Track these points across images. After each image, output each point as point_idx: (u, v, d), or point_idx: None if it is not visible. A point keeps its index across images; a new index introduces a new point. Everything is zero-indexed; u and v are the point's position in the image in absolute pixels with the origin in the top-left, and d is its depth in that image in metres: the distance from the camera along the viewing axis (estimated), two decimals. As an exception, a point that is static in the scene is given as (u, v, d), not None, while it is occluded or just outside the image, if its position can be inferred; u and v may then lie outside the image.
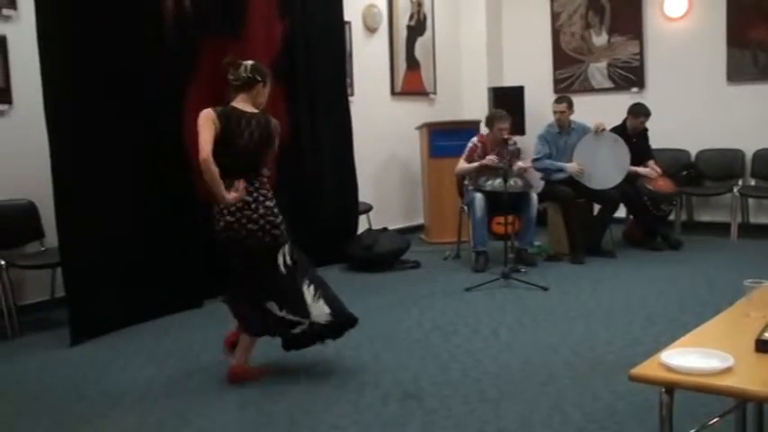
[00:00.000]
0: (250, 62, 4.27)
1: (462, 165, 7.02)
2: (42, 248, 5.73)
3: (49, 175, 5.06)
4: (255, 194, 4.14)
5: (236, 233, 4.09)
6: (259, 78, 4.22)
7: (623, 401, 3.73)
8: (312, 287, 4.22)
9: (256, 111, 4.19)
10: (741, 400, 2.60)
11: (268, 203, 4.18)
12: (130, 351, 4.85)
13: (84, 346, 4.98)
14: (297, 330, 4.22)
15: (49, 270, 5.60)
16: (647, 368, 2.07)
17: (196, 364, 4.57)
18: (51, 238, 5.65)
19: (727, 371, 2.00)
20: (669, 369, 2.03)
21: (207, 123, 4.02)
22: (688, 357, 2.07)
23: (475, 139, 7.14)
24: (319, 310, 4.19)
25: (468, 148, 7.03)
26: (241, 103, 4.18)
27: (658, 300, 5.62)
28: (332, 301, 4.27)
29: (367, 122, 7.92)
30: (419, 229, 8.83)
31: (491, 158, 6.74)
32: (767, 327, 2.30)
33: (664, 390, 2.04)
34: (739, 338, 2.24)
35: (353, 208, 7.51)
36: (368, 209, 7.74)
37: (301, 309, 4.17)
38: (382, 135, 8.49)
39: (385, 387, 4.04)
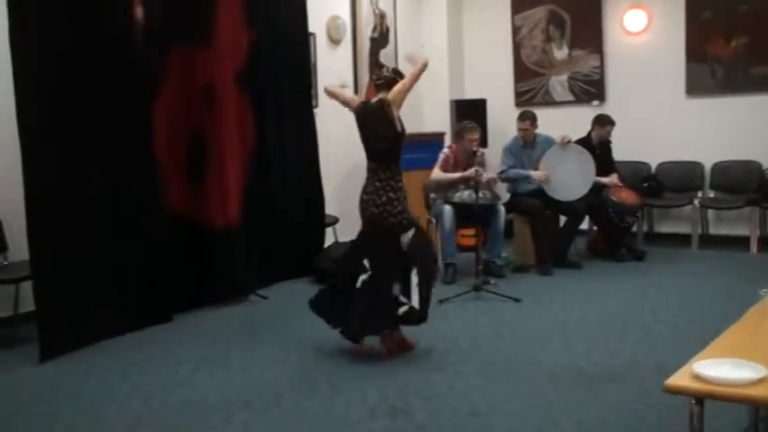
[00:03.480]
0: (394, 67, 5.01)
1: (439, 174, 6.94)
2: (5, 262, 5.55)
3: (12, 188, 4.96)
4: (384, 183, 4.66)
5: (364, 211, 4.68)
6: (399, 79, 4.75)
7: (612, 412, 3.74)
8: (418, 276, 4.61)
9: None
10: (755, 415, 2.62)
11: (391, 195, 4.62)
12: (103, 367, 4.70)
13: (53, 363, 4.81)
14: (401, 311, 4.59)
15: (13, 285, 5.41)
16: (679, 379, 2.06)
17: (173, 379, 4.45)
18: (15, 251, 5.50)
19: (762, 381, 2.00)
20: (703, 380, 2.02)
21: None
22: (721, 368, 2.07)
23: (447, 150, 7.14)
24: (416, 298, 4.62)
25: (441, 158, 7.00)
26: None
27: (630, 310, 5.67)
28: (425, 296, 4.68)
29: (331, 134, 7.85)
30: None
31: (473, 171, 6.65)
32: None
33: (694, 401, 2.03)
34: (763, 347, 2.25)
35: (320, 220, 7.45)
36: (334, 221, 7.68)
37: (408, 292, 4.60)
38: (346, 147, 8.38)
39: (372, 401, 3.99)
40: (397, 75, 4.83)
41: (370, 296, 4.58)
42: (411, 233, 4.66)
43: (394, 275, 4.60)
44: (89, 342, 5.14)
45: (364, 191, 4.73)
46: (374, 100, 4.79)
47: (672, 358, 4.43)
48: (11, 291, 5.42)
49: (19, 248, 5.36)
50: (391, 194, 4.63)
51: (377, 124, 4.71)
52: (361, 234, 4.81)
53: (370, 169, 4.76)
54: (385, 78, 4.82)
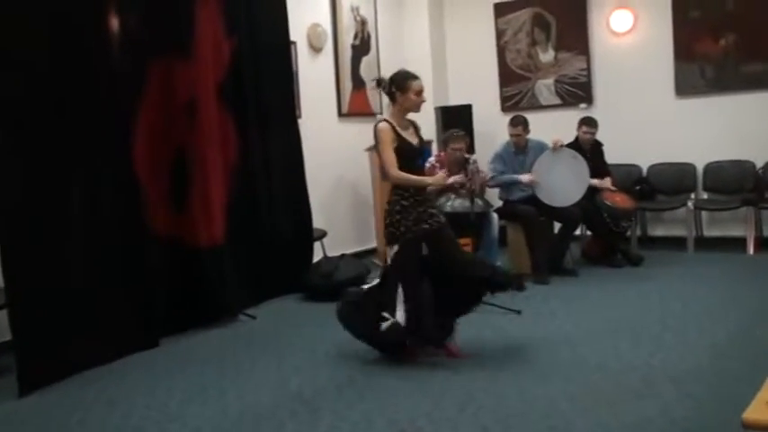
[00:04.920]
0: (389, 75, 4.72)
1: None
2: (-20, 290, 5.25)
3: None
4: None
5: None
6: (394, 89, 4.64)
7: (636, 432, 3.52)
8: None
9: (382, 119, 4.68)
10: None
11: (404, 203, 4.60)
12: (89, 400, 4.41)
13: (35, 397, 4.51)
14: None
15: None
16: (757, 412, 1.83)
17: (165, 411, 4.16)
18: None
19: None
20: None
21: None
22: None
23: (432, 159, 6.92)
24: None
25: (427, 169, 6.77)
26: (392, 117, 4.69)
27: (635, 319, 5.47)
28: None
29: (315, 145, 7.61)
30: (371, 253, 8.54)
31: (456, 179, 6.46)
32: None
33: (771, 434, 1.81)
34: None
35: (308, 235, 7.20)
36: (322, 235, 7.43)
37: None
38: (331, 158, 8.21)
39: (379, 428, 3.74)
40: (392, 85, 4.68)
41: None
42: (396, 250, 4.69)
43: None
44: (71, 372, 4.84)
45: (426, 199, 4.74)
46: (409, 117, 4.79)
47: (688, 371, 4.28)
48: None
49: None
50: (404, 203, 4.65)
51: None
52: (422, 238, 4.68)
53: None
54: (387, 95, 4.76)
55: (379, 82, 4.72)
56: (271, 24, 6.92)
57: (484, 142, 8.61)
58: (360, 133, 8.48)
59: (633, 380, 4.22)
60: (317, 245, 7.37)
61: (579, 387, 4.14)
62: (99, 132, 5.15)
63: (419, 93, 4.63)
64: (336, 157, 8.32)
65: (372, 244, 8.57)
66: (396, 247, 4.61)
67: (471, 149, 8.30)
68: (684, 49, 8.11)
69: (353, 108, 8.62)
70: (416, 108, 4.69)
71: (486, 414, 3.83)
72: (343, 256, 7.07)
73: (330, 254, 7.38)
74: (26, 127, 4.71)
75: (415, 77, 4.67)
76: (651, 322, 5.34)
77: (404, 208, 4.58)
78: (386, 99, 8.64)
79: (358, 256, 8.05)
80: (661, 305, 5.81)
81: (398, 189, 4.62)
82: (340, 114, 8.49)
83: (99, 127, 5.16)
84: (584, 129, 7.49)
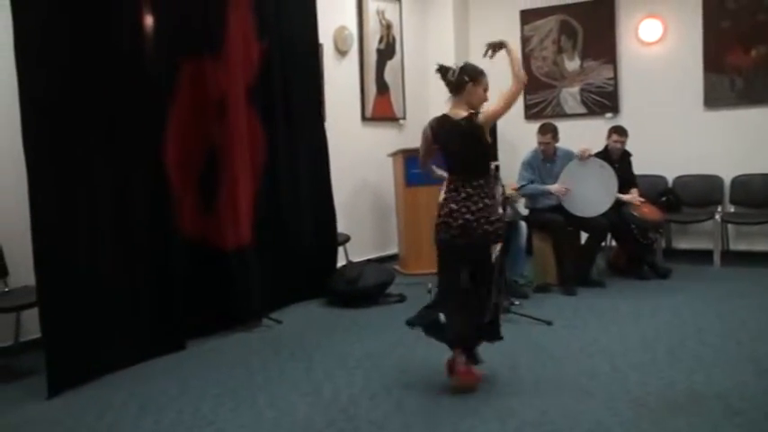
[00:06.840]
0: (461, 64, 4.43)
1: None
2: (6, 288, 5.17)
3: (13, 212, 4.72)
4: (477, 190, 4.28)
5: (455, 220, 4.28)
6: (467, 79, 4.33)
7: (689, 451, 3.42)
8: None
9: (463, 116, 4.29)
10: None
11: (487, 201, 4.30)
12: (118, 403, 4.32)
13: (63, 398, 4.43)
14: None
15: (13, 313, 5.01)
16: None
17: (197, 416, 4.07)
18: (16, 277, 5.13)
19: None
20: None
21: (422, 139, 4.53)
22: None
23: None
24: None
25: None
26: (453, 109, 4.37)
27: (671, 333, 5.36)
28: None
29: (338, 149, 7.52)
30: (392, 259, 8.45)
31: None
32: None
33: None
34: None
35: (333, 239, 7.10)
36: (345, 240, 7.34)
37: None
38: (354, 162, 8.13)
39: (422, 441, 3.65)
40: (464, 74, 4.34)
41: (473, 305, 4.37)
42: (500, 246, 4.37)
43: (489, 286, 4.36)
44: (100, 374, 4.76)
45: (452, 201, 4.32)
46: (460, 118, 4.30)
47: (733, 388, 4.17)
48: (11, 318, 5.04)
49: (20, 274, 5.01)
50: (487, 201, 4.30)
51: (466, 142, 4.31)
52: (449, 248, 4.36)
53: (458, 180, 4.35)
54: (452, 83, 4.36)
55: (446, 69, 4.37)
56: (300, 27, 6.86)
57: (507, 149, 8.53)
58: (383, 138, 8.43)
59: (678, 395, 4.12)
60: (339, 250, 7.28)
61: (623, 402, 4.04)
62: (130, 134, 5.07)
63: (487, 89, 4.41)
64: (359, 162, 8.24)
65: (394, 250, 8.48)
66: (498, 246, 4.36)
67: (494, 156, 8.22)
68: (714, 61, 8.02)
69: (377, 112, 8.54)
70: (480, 104, 4.35)
71: (530, 429, 3.73)
72: (368, 261, 6.98)
73: (354, 259, 7.29)
74: (57, 127, 4.62)
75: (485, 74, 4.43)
76: (687, 336, 5.24)
77: (497, 203, 4.38)
78: (410, 104, 8.80)
79: (379, 261, 7.97)
80: (695, 319, 5.70)
81: (489, 185, 4.34)
82: (364, 118, 8.41)
83: (130, 128, 5.07)
84: (615, 137, 7.40)
